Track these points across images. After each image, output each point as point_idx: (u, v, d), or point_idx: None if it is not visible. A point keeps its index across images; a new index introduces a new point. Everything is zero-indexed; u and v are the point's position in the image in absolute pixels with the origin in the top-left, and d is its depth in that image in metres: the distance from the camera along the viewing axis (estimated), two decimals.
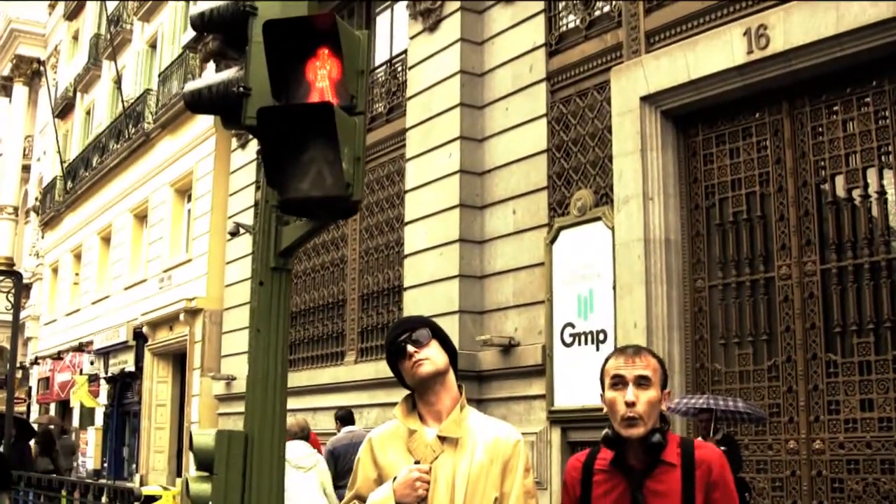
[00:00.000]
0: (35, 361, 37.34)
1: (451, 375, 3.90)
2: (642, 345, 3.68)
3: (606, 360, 3.67)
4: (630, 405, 3.46)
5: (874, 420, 9.88)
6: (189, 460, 16.59)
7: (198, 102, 5.06)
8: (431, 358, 3.80)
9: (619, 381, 3.52)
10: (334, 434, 16.75)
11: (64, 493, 12.42)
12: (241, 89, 4.68)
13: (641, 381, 3.49)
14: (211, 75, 5.27)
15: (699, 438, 9.90)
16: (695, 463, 3.47)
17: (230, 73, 4.97)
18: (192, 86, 5.13)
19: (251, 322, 4.91)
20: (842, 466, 10.09)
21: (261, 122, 4.44)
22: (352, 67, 4.55)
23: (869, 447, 9.88)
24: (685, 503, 3.43)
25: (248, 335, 5.03)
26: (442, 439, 3.73)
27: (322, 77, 4.54)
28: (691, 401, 10.17)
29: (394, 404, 3.98)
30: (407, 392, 3.95)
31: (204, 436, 5.01)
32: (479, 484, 3.65)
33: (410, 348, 3.80)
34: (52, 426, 22.50)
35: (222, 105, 4.97)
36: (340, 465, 11.57)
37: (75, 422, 32.07)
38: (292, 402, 16.43)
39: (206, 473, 4.91)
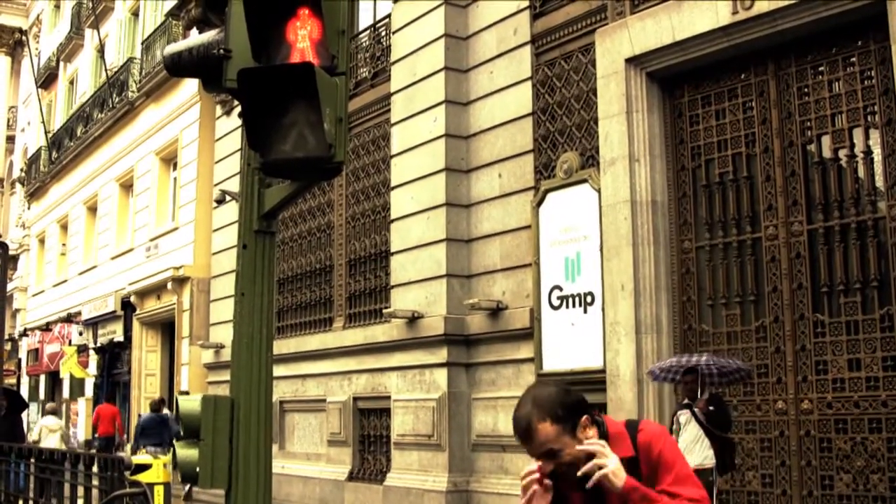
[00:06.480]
0: (24, 333, 37.24)
1: None
2: (527, 404, 3.34)
3: None
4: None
5: (861, 380, 9.91)
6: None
7: (178, 65, 5.01)
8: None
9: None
10: (322, 400, 16.89)
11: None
12: (222, 51, 4.63)
13: (548, 454, 3.27)
14: (192, 38, 5.22)
15: (690, 400, 9.93)
16: (638, 448, 3.42)
17: (211, 35, 4.92)
18: (172, 48, 5.08)
19: (236, 286, 4.88)
20: (830, 426, 10.13)
21: (241, 83, 4.40)
22: (332, 27, 4.50)
23: (857, 406, 9.91)
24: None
25: (234, 300, 5.00)
26: None
27: (303, 38, 4.50)
28: (679, 360, 10.19)
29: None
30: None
31: (190, 401, 4.99)
32: None
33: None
34: None
35: (203, 67, 4.92)
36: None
37: (65, 393, 32.06)
38: (280, 370, 16.51)
39: (193, 439, 4.90)
